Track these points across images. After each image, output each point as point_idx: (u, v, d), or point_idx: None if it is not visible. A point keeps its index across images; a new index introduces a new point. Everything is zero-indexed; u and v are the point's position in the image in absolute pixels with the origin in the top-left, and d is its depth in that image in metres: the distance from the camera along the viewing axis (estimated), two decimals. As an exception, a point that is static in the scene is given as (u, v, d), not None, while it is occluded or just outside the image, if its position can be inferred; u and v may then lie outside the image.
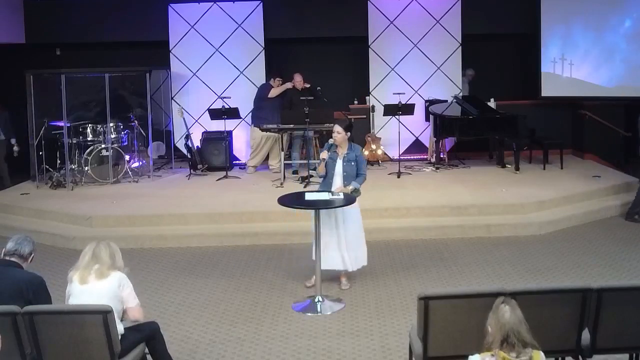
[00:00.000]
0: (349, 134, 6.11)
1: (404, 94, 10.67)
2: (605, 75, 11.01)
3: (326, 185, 6.17)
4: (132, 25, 11.47)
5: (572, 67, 11.23)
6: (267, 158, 10.81)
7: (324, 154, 6.11)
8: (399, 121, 10.39)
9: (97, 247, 4.17)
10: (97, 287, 4.08)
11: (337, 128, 6.10)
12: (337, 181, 6.14)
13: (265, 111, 10.39)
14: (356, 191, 6.11)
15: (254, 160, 10.71)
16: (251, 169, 10.72)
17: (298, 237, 7.45)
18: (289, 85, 10.42)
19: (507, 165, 10.43)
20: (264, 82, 11.05)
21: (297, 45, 12.00)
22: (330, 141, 6.13)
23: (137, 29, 11.47)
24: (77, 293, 4.10)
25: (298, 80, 10.48)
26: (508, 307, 3.13)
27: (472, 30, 11.31)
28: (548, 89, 11.43)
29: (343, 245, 6.12)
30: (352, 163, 6.11)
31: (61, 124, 9.91)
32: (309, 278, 6.38)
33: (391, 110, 10.30)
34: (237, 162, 11.42)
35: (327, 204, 5.86)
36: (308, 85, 10.43)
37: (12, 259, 4.20)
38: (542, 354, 3.15)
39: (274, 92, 10.43)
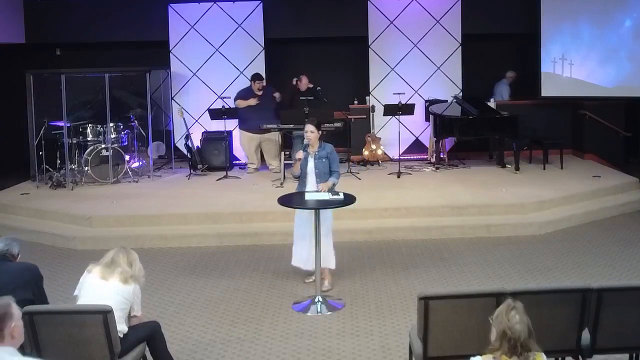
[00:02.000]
0: (320, 132, 6.21)
1: (404, 94, 10.66)
2: (606, 75, 11.00)
3: (302, 185, 6.27)
4: (132, 25, 11.47)
5: (572, 67, 11.23)
6: (262, 158, 10.85)
7: (300, 154, 6.18)
8: (399, 121, 10.39)
9: (116, 254, 4.30)
10: (117, 286, 4.18)
11: (310, 127, 6.17)
12: (311, 180, 6.19)
13: (247, 114, 10.40)
14: (333, 187, 6.13)
15: (253, 164, 10.74)
16: (252, 169, 10.72)
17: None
18: (252, 102, 10.35)
19: (507, 165, 10.43)
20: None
21: (297, 45, 12.00)
22: (306, 140, 6.20)
23: (137, 29, 11.46)
24: (94, 284, 4.20)
25: (304, 82, 10.56)
26: (518, 316, 3.09)
27: (472, 30, 11.31)
28: (548, 89, 11.42)
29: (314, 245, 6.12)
30: (324, 160, 6.18)
31: (61, 124, 9.91)
32: (308, 277, 6.40)
33: (391, 110, 10.30)
34: (237, 162, 11.41)
35: (327, 204, 5.86)
36: (311, 86, 10.46)
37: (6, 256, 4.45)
38: (544, 355, 3.15)
39: (241, 104, 10.42)
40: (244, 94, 10.54)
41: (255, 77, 10.59)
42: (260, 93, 10.50)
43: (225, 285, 6.49)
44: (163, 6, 11.36)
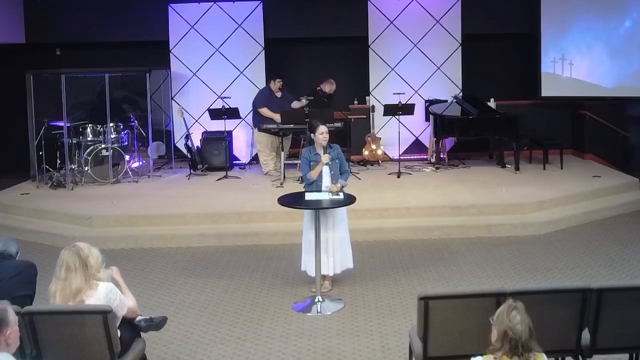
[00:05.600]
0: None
1: (404, 94, 10.66)
2: (605, 75, 11.01)
3: (316, 189, 6.06)
4: (132, 25, 11.47)
5: (572, 67, 11.23)
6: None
7: (326, 157, 5.98)
8: (399, 121, 10.39)
9: (67, 269, 3.90)
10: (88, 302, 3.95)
11: (324, 128, 6.02)
12: (326, 182, 6.08)
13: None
14: (342, 188, 6.09)
15: (269, 165, 10.46)
16: (273, 171, 10.36)
17: (298, 237, 7.40)
18: (276, 118, 10.06)
19: (507, 165, 10.43)
20: (264, 82, 11.05)
21: (297, 45, 12.00)
22: (323, 143, 6.00)
23: (137, 29, 11.46)
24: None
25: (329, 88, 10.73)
26: (519, 316, 3.09)
27: (472, 30, 11.32)
28: (548, 89, 11.43)
29: (330, 249, 6.05)
30: (336, 161, 6.10)
31: (61, 124, 9.92)
32: (311, 282, 6.30)
33: (391, 110, 10.30)
34: (237, 162, 11.41)
35: (327, 204, 5.85)
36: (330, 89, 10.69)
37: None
38: (544, 356, 3.15)
39: (265, 113, 10.23)
40: (265, 99, 10.29)
41: (276, 75, 10.45)
42: (279, 95, 10.39)
43: (225, 285, 6.49)
44: (163, 6, 11.36)
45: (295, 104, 10.46)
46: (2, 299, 3.90)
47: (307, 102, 10.20)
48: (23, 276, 4.25)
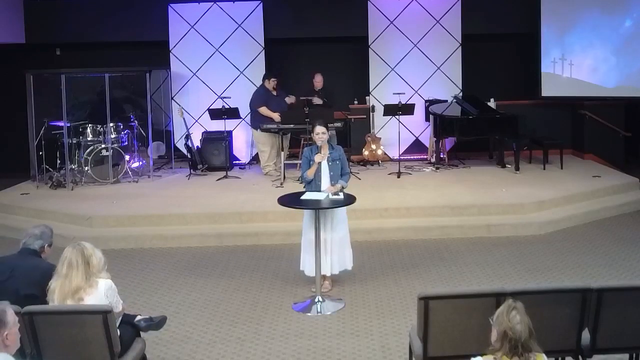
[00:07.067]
0: (329, 132, 6.12)
1: (404, 94, 10.66)
2: (605, 75, 11.01)
3: (315, 188, 6.07)
4: (132, 25, 11.47)
5: (572, 67, 11.23)
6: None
7: (320, 157, 5.99)
8: (399, 121, 10.39)
9: (68, 267, 3.98)
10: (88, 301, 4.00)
11: (322, 128, 5.99)
12: (325, 183, 6.08)
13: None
14: (342, 189, 6.09)
15: (269, 165, 10.43)
16: (272, 171, 10.35)
17: (298, 237, 7.39)
18: (276, 117, 10.05)
19: (507, 165, 10.43)
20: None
21: (297, 45, 12.00)
22: (319, 143, 6.00)
23: (137, 29, 11.47)
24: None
25: (318, 81, 10.68)
26: (519, 316, 3.09)
27: (472, 30, 11.31)
28: (548, 89, 11.43)
29: (329, 249, 6.04)
30: (337, 162, 6.09)
31: (61, 124, 9.92)
32: (311, 282, 6.30)
33: (391, 110, 10.30)
34: (237, 162, 11.41)
35: (327, 204, 5.84)
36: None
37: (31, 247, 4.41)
38: (544, 356, 3.15)
39: (264, 112, 10.19)
40: (263, 98, 10.25)
41: (271, 74, 10.43)
42: (275, 93, 10.39)
43: (225, 285, 6.49)
44: (163, 6, 11.36)
45: (287, 100, 10.50)
46: (9, 295, 3.90)
47: (312, 101, 10.24)
48: (32, 276, 4.19)
